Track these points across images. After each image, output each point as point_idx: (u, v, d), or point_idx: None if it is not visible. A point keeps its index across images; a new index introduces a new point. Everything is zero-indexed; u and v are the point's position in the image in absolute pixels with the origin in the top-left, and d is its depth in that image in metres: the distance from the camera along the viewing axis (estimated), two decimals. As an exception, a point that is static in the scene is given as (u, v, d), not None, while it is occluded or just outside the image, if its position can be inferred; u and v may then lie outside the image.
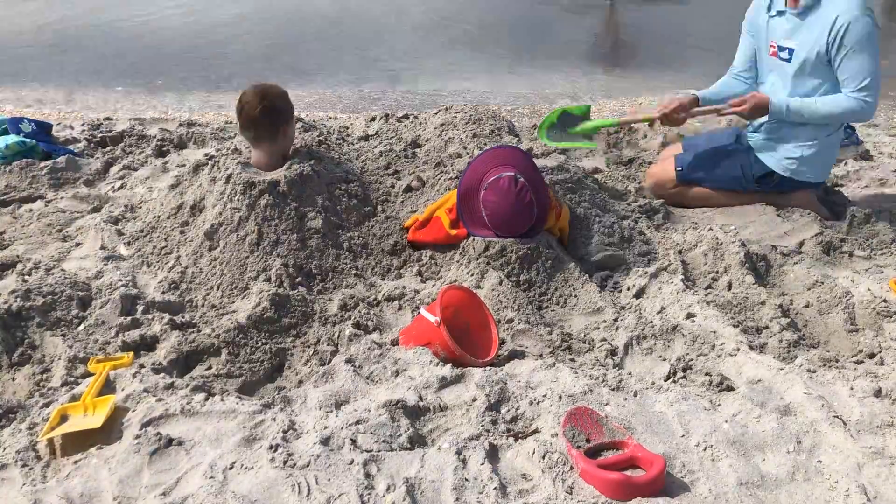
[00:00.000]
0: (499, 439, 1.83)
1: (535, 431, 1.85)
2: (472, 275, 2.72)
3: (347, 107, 5.63)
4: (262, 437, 1.84)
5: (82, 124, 4.39)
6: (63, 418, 1.91)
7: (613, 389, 2.03)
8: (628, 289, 2.77)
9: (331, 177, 3.09)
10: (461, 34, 7.52)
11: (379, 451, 1.79)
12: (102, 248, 2.95)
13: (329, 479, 1.69)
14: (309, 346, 2.43)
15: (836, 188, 3.75)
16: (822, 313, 2.62)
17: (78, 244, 3.03)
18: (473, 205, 2.83)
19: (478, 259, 2.76)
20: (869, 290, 2.64)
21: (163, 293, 2.65)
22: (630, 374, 2.20)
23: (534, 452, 1.74)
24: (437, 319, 2.19)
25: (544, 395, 2.00)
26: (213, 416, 1.91)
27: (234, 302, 2.64)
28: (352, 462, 1.74)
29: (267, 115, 2.88)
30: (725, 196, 3.47)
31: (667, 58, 6.97)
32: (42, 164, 3.68)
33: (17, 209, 3.37)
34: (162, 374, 2.18)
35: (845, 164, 4.12)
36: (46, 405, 2.01)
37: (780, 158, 3.35)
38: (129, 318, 2.47)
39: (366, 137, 3.90)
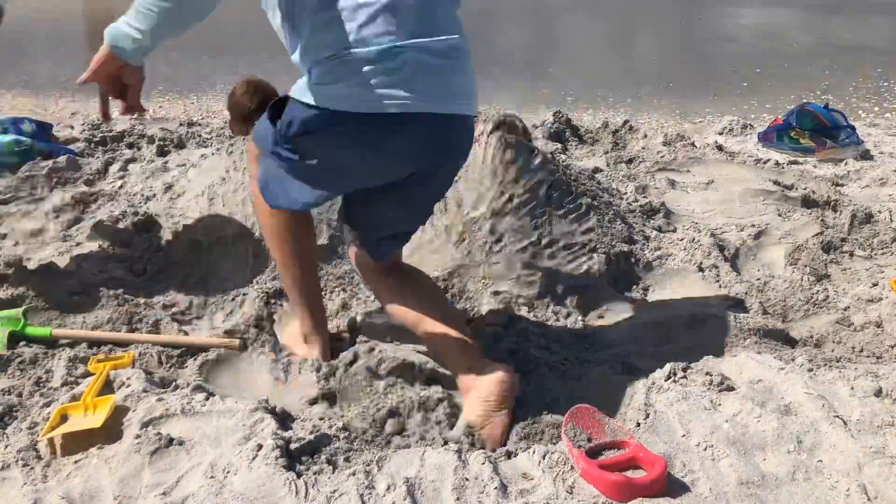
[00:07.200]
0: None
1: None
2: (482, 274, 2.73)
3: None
4: (262, 436, 1.84)
5: (82, 124, 4.38)
6: (63, 418, 1.91)
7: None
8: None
9: (331, 176, 3.08)
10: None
11: (379, 451, 1.79)
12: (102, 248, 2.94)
13: (329, 479, 1.68)
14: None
15: (837, 187, 3.75)
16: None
17: (78, 244, 3.02)
18: None
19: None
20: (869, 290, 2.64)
21: (163, 293, 2.65)
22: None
23: (534, 452, 1.74)
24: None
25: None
26: (214, 415, 1.90)
27: (234, 302, 2.64)
28: (352, 461, 1.74)
29: (260, 109, 2.89)
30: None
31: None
32: (42, 164, 3.67)
33: (17, 209, 3.36)
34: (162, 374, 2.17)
35: (846, 163, 4.11)
36: (47, 405, 2.01)
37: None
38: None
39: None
